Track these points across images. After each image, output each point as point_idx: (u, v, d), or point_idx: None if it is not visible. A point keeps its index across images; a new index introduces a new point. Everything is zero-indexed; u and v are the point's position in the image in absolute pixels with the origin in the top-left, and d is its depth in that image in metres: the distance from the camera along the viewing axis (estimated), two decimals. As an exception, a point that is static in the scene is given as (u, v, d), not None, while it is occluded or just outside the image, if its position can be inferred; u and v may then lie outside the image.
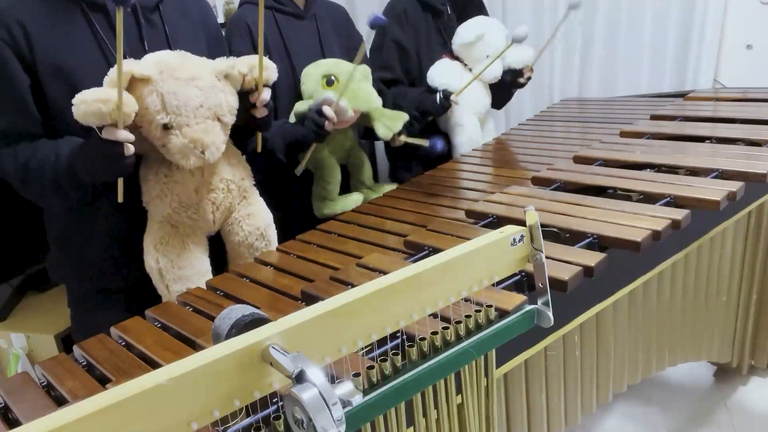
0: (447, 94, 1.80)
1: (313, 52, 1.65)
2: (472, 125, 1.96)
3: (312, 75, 1.57)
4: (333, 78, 1.55)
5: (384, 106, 1.65)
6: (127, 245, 1.22)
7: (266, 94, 1.20)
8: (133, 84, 1.06)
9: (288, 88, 1.60)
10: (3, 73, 1.11)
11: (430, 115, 1.87)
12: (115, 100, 0.99)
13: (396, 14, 1.87)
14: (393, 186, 1.73)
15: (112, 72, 1.04)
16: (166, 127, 1.08)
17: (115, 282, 1.26)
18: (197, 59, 1.15)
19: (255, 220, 1.27)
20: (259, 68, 1.16)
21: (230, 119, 1.15)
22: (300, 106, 1.56)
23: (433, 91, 1.83)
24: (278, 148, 1.53)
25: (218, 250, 1.29)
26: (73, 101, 1.00)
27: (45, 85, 1.13)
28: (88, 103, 0.99)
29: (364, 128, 1.74)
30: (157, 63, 1.09)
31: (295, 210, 1.70)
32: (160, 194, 1.17)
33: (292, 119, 1.57)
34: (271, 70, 1.20)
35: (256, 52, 1.54)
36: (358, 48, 1.77)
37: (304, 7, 1.65)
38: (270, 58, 1.56)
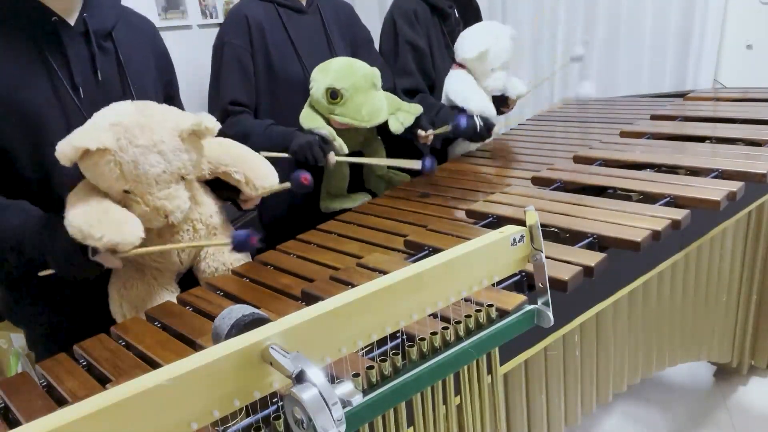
0: (489, 126, 1.76)
1: (320, 46, 1.62)
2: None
3: (318, 82, 1.51)
4: (336, 92, 1.49)
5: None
6: (92, 290, 1.15)
7: (258, 199, 1.21)
8: (87, 154, 0.97)
9: (297, 84, 1.57)
10: None
11: (465, 138, 1.84)
12: (134, 241, 0.97)
13: (406, 14, 1.83)
14: (406, 177, 1.70)
15: (62, 147, 0.96)
16: (127, 192, 1.03)
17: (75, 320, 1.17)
18: (159, 111, 1.06)
19: (222, 255, 1.21)
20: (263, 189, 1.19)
21: (195, 173, 1.11)
22: (308, 122, 1.51)
23: (462, 110, 1.78)
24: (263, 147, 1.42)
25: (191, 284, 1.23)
26: (89, 230, 0.94)
27: None
28: (115, 234, 0.95)
29: None
30: (114, 126, 0.99)
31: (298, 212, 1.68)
32: None
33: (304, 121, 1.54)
34: (272, 180, 1.20)
35: (252, 47, 1.54)
36: (363, 44, 1.76)
37: (306, 1, 1.63)
38: (269, 59, 1.57)
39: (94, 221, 0.95)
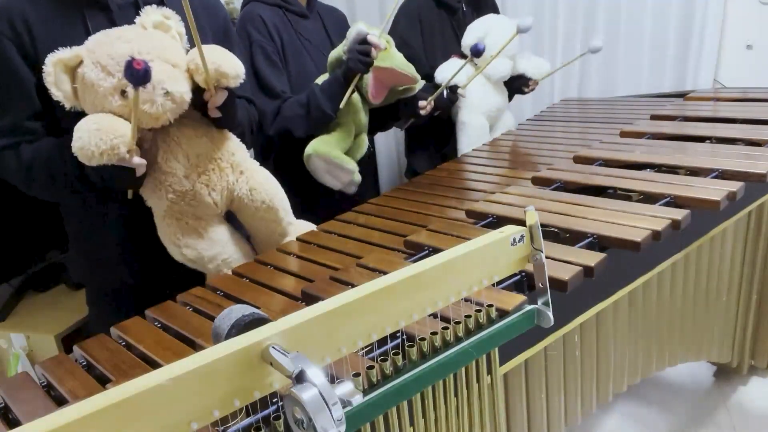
0: (454, 88, 1.85)
1: (325, 47, 1.69)
2: (477, 124, 1.98)
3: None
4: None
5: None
6: (138, 242, 1.22)
7: (220, 98, 1.11)
8: (71, 71, 1.04)
9: (309, 80, 1.63)
10: (7, 70, 1.11)
11: (438, 109, 1.88)
12: (129, 135, 1.01)
13: (408, 12, 1.91)
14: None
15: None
16: (123, 93, 1.03)
17: (128, 279, 1.26)
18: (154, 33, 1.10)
19: (258, 194, 1.22)
20: (203, 67, 1.06)
21: (184, 65, 1.09)
22: (335, 53, 1.59)
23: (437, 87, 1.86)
24: (323, 104, 1.53)
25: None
26: (76, 145, 0.99)
27: None
28: (104, 142, 0.99)
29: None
30: (85, 43, 1.07)
31: (316, 195, 1.68)
32: (154, 189, 1.16)
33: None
34: (232, 78, 1.09)
35: (273, 43, 1.59)
36: None
37: (307, 6, 1.70)
38: (284, 56, 1.61)
39: (86, 143, 0.99)
